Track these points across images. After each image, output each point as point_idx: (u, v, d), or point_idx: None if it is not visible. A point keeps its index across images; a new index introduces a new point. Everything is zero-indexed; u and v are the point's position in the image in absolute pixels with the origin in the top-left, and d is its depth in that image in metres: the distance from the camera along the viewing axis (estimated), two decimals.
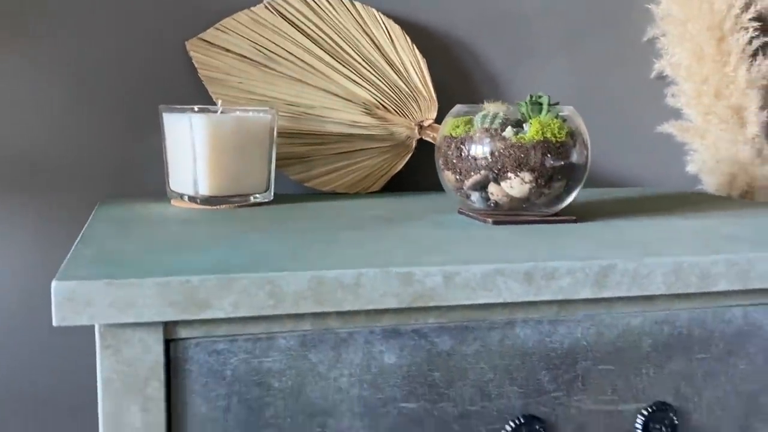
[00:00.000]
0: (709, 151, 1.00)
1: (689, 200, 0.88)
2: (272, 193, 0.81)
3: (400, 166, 0.93)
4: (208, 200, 0.77)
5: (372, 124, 0.92)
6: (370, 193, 0.92)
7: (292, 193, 0.91)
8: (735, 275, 0.55)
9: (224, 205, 0.77)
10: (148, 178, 0.88)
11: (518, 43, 0.99)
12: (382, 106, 0.92)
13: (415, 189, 0.96)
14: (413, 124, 0.93)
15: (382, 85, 0.92)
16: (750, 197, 1.01)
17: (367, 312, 0.51)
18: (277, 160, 0.87)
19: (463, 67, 0.98)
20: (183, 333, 0.49)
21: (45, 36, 0.85)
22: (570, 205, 0.72)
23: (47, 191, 0.86)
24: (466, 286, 0.50)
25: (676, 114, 1.04)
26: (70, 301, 0.44)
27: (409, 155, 0.93)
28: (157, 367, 0.48)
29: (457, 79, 0.97)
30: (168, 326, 0.48)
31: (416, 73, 0.93)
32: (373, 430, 0.53)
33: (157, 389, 0.48)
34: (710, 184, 1.02)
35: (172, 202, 0.80)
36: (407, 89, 0.93)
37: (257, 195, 0.80)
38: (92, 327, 0.75)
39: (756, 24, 1.01)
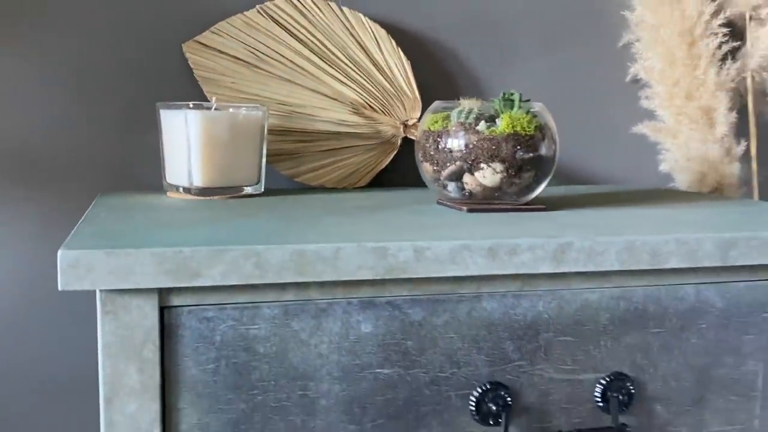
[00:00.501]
0: (680, 151, 1.06)
1: (658, 195, 0.93)
2: (263, 186, 0.86)
3: (385, 163, 0.98)
4: (201, 191, 0.82)
5: (359, 122, 0.97)
6: (357, 188, 0.97)
7: (282, 187, 0.96)
8: (684, 254, 0.60)
9: (217, 196, 0.82)
10: (145, 171, 0.93)
11: (498, 46, 1.05)
12: (369, 105, 0.97)
13: (399, 185, 1.01)
14: (398, 123, 0.98)
15: (369, 86, 0.97)
16: (719, 194, 1.06)
17: (345, 284, 0.56)
18: (268, 156, 0.92)
19: (446, 69, 1.03)
20: (176, 301, 0.54)
21: (49, 37, 0.90)
22: (543, 198, 0.77)
23: (50, 184, 0.91)
24: (435, 260, 0.55)
25: (650, 115, 1.09)
26: (74, 268, 0.49)
27: (395, 152, 0.98)
28: (153, 332, 0.53)
29: (440, 80, 1.02)
30: (162, 294, 0.53)
31: (401, 74, 0.98)
32: (351, 394, 0.57)
33: (152, 352, 0.53)
34: (682, 181, 1.07)
35: (168, 193, 0.85)
36: (392, 90, 0.98)
37: (248, 187, 0.85)
38: (93, 314, 0.80)
39: (725, 30, 1.06)
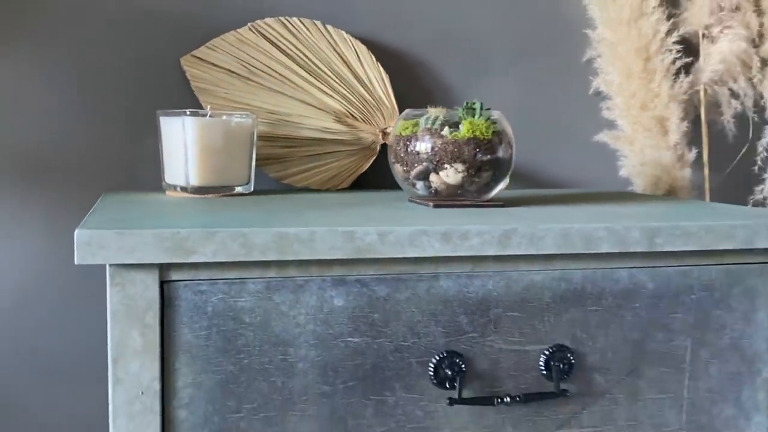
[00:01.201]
0: (637, 157, 1.15)
1: (611, 196, 1.02)
2: (252, 186, 0.95)
3: (365, 167, 1.07)
4: (197, 190, 0.91)
5: (341, 130, 1.06)
6: (339, 190, 1.06)
7: (271, 188, 1.05)
8: (615, 240, 0.69)
9: (211, 195, 0.91)
10: (146, 173, 1.02)
11: (471, 61, 1.14)
12: (351, 114, 1.06)
13: (378, 187, 1.10)
14: (377, 130, 1.07)
15: (351, 97, 1.06)
16: (673, 196, 1.15)
17: (320, 263, 0.65)
18: (257, 160, 1.01)
19: (422, 82, 1.12)
20: (174, 276, 0.63)
21: (61, 51, 1.00)
22: (507, 197, 0.86)
23: (59, 184, 1.00)
24: (396, 243, 0.64)
25: (610, 125, 1.18)
26: (88, 245, 0.58)
27: (374, 157, 1.07)
28: (154, 303, 0.62)
29: (416, 91, 1.12)
30: (162, 269, 0.62)
31: (380, 86, 1.07)
32: (325, 359, 0.66)
33: (153, 319, 0.62)
34: (639, 185, 1.16)
35: (167, 192, 0.94)
36: (372, 100, 1.07)
37: (239, 186, 0.94)
38: (102, 303, 0.88)
39: (678, 47, 1.16)
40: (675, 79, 1.16)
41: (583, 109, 1.19)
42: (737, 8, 1.19)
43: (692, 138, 1.19)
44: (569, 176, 1.19)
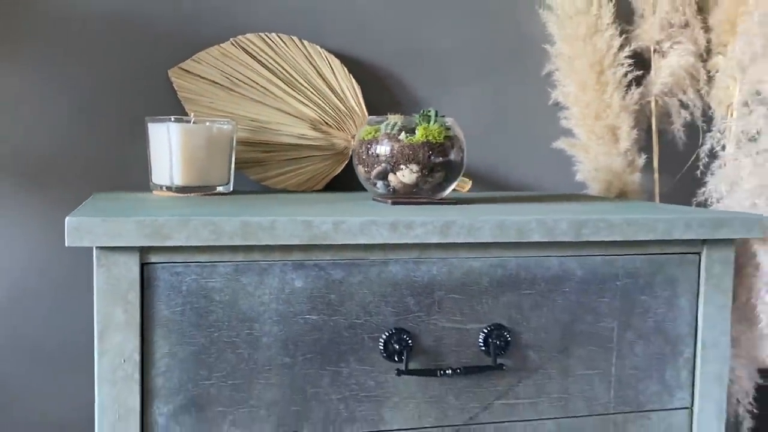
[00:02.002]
0: (591, 163, 1.24)
1: (564, 198, 1.11)
2: (232, 186, 1.04)
3: (338, 170, 1.16)
4: (180, 189, 1.00)
5: (317, 136, 1.15)
6: (314, 191, 1.15)
7: (251, 189, 1.15)
8: (544, 231, 0.78)
9: (193, 194, 1.00)
10: (134, 174, 1.12)
11: (438, 73, 1.24)
12: (325, 122, 1.16)
13: (350, 189, 1.19)
14: (350, 137, 1.16)
15: (325, 106, 1.16)
16: (624, 198, 1.24)
17: (281, 248, 0.74)
18: (238, 163, 1.10)
19: (391, 92, 1.22)
20: (153, 258, 0.72)
21: (57, 62, 1.09)
22: (465, 197, 0.95)
23: (54, 184, 1.09)
24: (349, 231, 0.74)
25: (567, 133, 1.28)
26: (77, 230, 0.67)
27: (346, 162, 1.17)
28: (135, 282, 0.71)
29: (386, 101, 1.21)
30: (142, 252, 0.71)
31: (352, 96, 1.17)
32: (286, 334, 0.75)
33: (134, 297, 0.71)
34: (593, 189, 1.26)
35: (154, 192, 1.03)
36: (345, 109, 1.16)
37: (220, 186, 1.03)
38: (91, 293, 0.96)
39: (630, 61, 1.25)
40: (627, 90, 1.25)
41: (543, 118, 1.28)
42: (686, 25, 1.28)
43: (645, 145, 1.28)
44: (530, 180, 1.29)
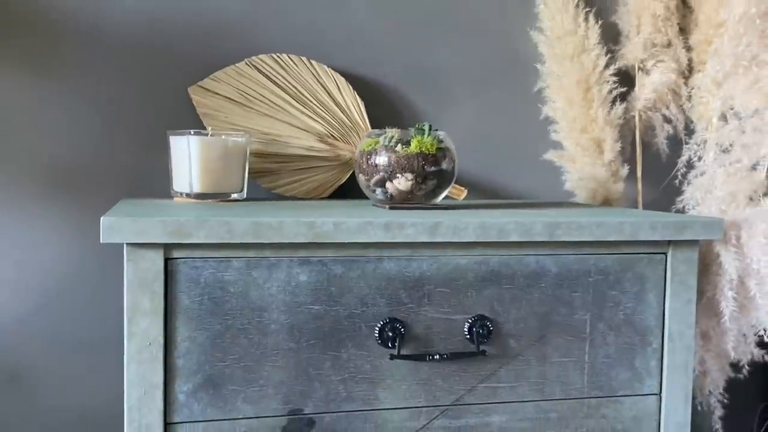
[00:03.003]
0: (578, 173, 1.34)
1: (551, 205, 1.20)
2: (245, 193, 1.15)
3: (344, 180, 1.27)
4: (198, 196, 1.10)
5: (324, 148, 1.26)
6: (321, 198, 1.26)
7: (263, 197, 1.25)
8: (522, 231, 0.88)
9: (210, 200, 1.11)
10: (158, 183, 1.22)
11: (436, 90, 1.34)
12: (332, 135, 1.26)
13: (354, 197, 1.29)
14: (354, 148, 1.26)
15: (332, 121, 1.26)
16: (607, 206, 1.33)
17: (289, 246, 0.84)
18: (252, 173, 1.21)
19: (393, 108, 1.32)
20: (175, 254, 0.82)
21: (91, 82, 1.20)
22: (459, 204, 1.05)
23: (85, 193, 1.20)
24: (347, 230, 0.84)
25: (557, 145, 1.37)
26: (111, 229, 0.78)
27: (351, 171, 1.27)
28: (159, 275, 0.81)
29: (388, 116, 1.31)
30: (166, 249, 0.81)
31: (356, 111, 1.27)
32: (292, 322, 0.85)
33: (159, 288, 0.81)
34: (580, 197, 1.35)
35: (174, 198, 1.13)
36: (350, 123, 1.27)
37: (234, 194, 1.13)
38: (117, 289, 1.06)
39: (615, 78, 1.35)
40: (611, 106, 1.35)
41: (534, 132, 1.38)
42: (669, 44, 1.38)
43: (630, 157, 1.38)
44: (522, 189, 1.38)
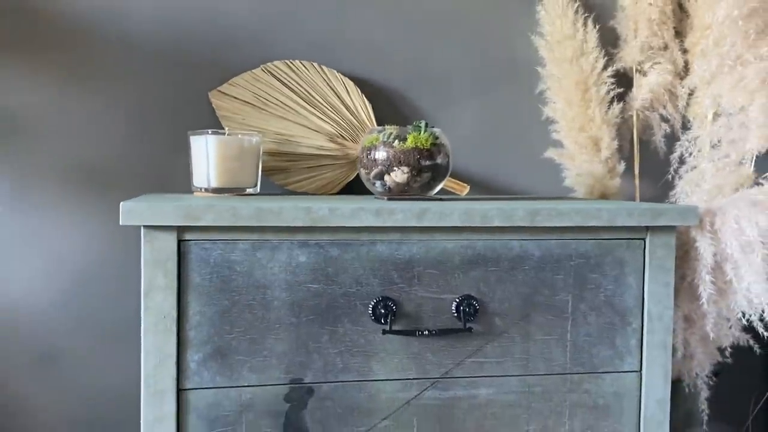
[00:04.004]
0: (576, 170, 1.40)
1: (547, 198, 1.27)
2: (258, 189, 1.24)
3: (352, 177, 1.35)
4: (215, 190, 1.20)
5: (333, 148, 1.35)
6: (330, 194, 1.34)
7: (276, 193, 1.34)
8: (504, 217, 0.95)
9: (226, 194, 1.20)
10: (180, 179, 1.32)
11: (441, 93, 1.42)
12: (341, 135, 1.35)
13: (360, 193, 1.37)
14: None
15: (341, 122, 1.35)
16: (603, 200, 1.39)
17: (289, 229, 0.93)
18: (266, 170, 1.30)
19: (399, 109, 1.41)
20: (187, 236, 0.91)
21: (120, 88, 1.31)
22: (456, 197, 1.13)
23: (113, 187, 1.31)
24: (342, 215, 0.92)
25: (557, 144, 1.44)
26: (129, 212, 0.87)
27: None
28: (173, 255, 0.90)
29: (394, 117, 1.40)
30: (179, 231, 0.91)
31: (364, 113, 1.36)
32: (292, 299, 0.94)
33: (172, 266, 0.90)
34: (579, 192, 1.42)
35: (194, 193, 1.23)
36: (358, 124, 1.35)
37: (249, 189, 1.23)
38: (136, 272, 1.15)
39: (612, 80, 1.41)
40: (609, 106, 1.41)
41: (536, 131, 1.45)
42: (665, 47, 1.44)
43: (629, 154, 1.44)
44: (524, 186, 1.45)
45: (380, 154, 1.09)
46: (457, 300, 0.97)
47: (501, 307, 0.99)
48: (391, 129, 1.11)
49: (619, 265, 1.02)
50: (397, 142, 1.09)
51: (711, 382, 1.20)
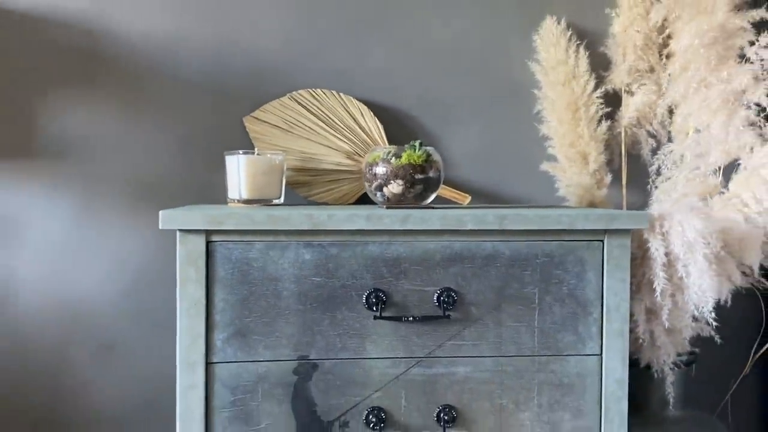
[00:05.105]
0: (567, 181, 1.57)
1: (539, 207, 1.44)
2: (283, 199, 1.45)
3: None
4: (246, 201, 1.41)
5: (350, 164, 1.55)
6: (348, 204, 1.54)
7: (299, 203, 1.55)
8: (476, 221, 1.13)
9: (255, 204, 1.41)
10: (219, 193, 1.54)
11: (447, 114, 1.61)
12: (357, 153, 1.55)
13: (373, 203, 1.56)
14: None
15: (357, 141, 1.55)
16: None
17: (296, 232, 1.13)
18: (291, 184, 1.51)
19: (408, 130, 1.60)
20: (214, 238, 1.12)
21: (168, 115, 1.54)
22: (454, 206, 1.31)
23: (160, 200, 1.54)
24: (338, 220, 1.12)
25: (551, 158, 1.61)
26: (167, 218, 1.09)
27: None
28: (202, 254, 1.12)
29: (404, 137, 1.59)
30: (207, 234, 1.12)
31: (377, 133, 1.55)
32: (299, 290, 1.14)
33: (202, 263, 1.12)
34: (571, 201, 1.58)
35: (229, 204, 1.45)
36: (371, 143, 1.55)
37: (275, 200, 1.44)
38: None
39: (600, 100, 1.57)
40: (598, 124, 1.58)
41: (533, 147, 1.62)
42: (652, 70, 1.59)
43: (619, 167, 1.59)
44: (522, 196, 1.62)
45: (380, 169, 1.29)
46: (438, 292, 1.16)
47: (476, 298, 1.17)
48: (390, 148, 1.31)
49: (580, 263, 1.18)
50: (394, 159, 1.29)
51: (681, 369, 1.34)
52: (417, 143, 1.30)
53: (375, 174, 1.29)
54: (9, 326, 1.52)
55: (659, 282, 1.23)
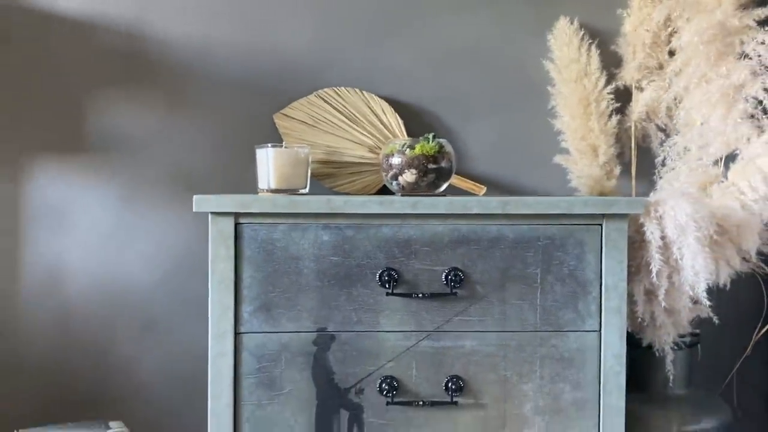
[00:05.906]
0: (578, 173, 1.65)
1: (553, 196, 1.53)
2: (308, 189, 1.56)
3: None
4: (274, 191, 1.52)
5: (372, 157, 1.65)
6: (369, 194, 1.65)
7: (323, 193, 1.66)
8: (481, 206, 1.23)
9: (282, 194, 1.53)
10: (250, 183, 1.67)
11: (465, 110, 1.70)
12: (378, 147, 1.66)
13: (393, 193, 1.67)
14: None
15: (378, 136, 1.66)
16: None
17: (315, 215, 1.24)
18: (316, 176, 1.62)
19: (427, 125, 1.70)
20: (242, 220, 1.24)
21: (207, 114, 1.67)
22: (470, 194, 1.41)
23: (200, 191, 1.66)
24: (353, 205, 1.22)
25: (564, 151, 1.69)
26: (200, 202, 1.21)
27: None
28: (231, 234, 1.23)
29: (424, 132, 1.68)
30: (236, 216, 1.23)
31: (397, 128, 1.66)
32: (318, 268, 1.25)
33: (231, 242, 1.23)
34: (582, 192, 1.66)
35: (258, 193, 1.56)
36: (392, 138, 1.66)
37: (301, 190, 1.55)
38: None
39: (611, 96, 1.65)
40: (608, 118, 1.65)
41: (547, 141, 1.71)
42: (661, 66, 1.67)
43: (630, 159, 1.67)
44: (536, 187, 1.71)
45: (395, 160, 1.39)
46: (446, 271, 1.25)
47: (482, 277, 1.26)
48: (405, 140, 1.41)
49: (580, 245, 1.27)
50: (408, 150, 1.39)
51: (685, 350, 1.41)
52: (430, 135, 1.40)
53: (391, 164, 1.40)
54: (61, 308, 1.66)
55: (655, 263, 1.30)
